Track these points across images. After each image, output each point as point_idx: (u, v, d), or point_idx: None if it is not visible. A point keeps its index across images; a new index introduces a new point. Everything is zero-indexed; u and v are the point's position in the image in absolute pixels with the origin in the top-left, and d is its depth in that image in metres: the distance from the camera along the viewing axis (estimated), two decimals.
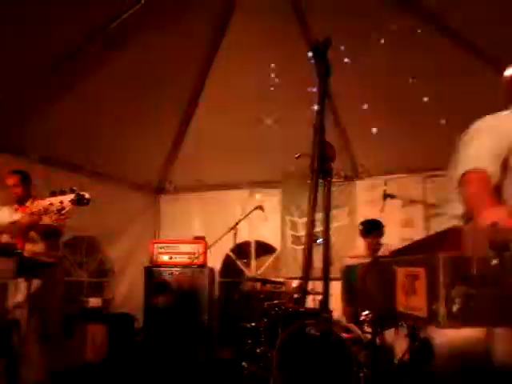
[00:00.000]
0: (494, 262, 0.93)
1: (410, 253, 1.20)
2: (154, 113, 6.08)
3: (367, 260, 5.28)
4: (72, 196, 2.81)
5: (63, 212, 2.81)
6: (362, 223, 5.36)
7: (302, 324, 4.42)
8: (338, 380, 3.74)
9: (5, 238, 3.99)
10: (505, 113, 2.25)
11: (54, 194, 2.82)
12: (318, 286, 5.56)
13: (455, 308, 0.95)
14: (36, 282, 4.20)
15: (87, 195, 2.84)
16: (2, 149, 5.20)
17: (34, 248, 4.20)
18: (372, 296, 1.56)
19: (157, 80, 5.55)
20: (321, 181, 1.81)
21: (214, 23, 5.42)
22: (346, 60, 5.19)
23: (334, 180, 6.52)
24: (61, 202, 2.79)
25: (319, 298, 5.08)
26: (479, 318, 1.00)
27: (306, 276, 1.96)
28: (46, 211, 2.82)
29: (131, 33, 4.91)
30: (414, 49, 4.94)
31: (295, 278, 6.40)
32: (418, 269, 0.97)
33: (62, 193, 2.82)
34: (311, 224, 1.82)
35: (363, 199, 6.64)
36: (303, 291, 3.16)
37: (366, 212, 6.27)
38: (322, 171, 1.80)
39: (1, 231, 3.24)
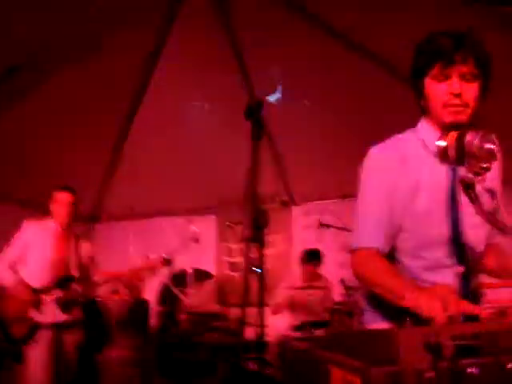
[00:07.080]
0: (429, 375, 0.90)
1: (347, 346, 1.17)
2: (88, 139, 5.85)
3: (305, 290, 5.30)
4: None
5: None
6: (304, 251, 5.42)
7: (240, 359, 4.37)
8: None
9: None
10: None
11: None
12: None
13: None
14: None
15: None
16: None
17: None
18: None
19: (90, 105, 5.36)
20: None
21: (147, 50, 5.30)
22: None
23: (269, 205, 6.56)
24: None
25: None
26: None
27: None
28: None
29: (64, 56, 4.72)
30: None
31: (234, 306, 6.30)
32: (354, 377, 0.94)
33: None
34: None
35: (300, 224, 6.64)
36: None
37: (302, 238, 6.30)
38: None
39: None
